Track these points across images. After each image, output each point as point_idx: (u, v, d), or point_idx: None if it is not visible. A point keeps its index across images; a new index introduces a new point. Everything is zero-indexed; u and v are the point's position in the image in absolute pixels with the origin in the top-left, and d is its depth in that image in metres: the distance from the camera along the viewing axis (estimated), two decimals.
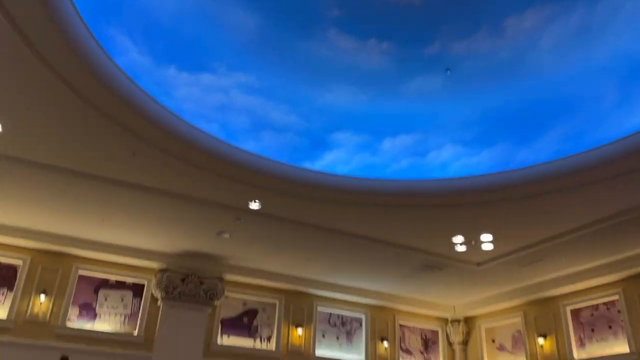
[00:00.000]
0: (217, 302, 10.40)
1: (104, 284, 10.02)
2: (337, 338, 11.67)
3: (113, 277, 10.09)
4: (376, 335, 11.92)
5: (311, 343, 11.21)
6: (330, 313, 11.77)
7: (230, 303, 10.80)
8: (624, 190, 7.10)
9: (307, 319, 11.38)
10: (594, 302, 9.98)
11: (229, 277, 10.64)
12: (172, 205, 8.12)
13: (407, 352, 12.34)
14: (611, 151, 6.53)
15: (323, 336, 11.51)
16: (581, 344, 10.05)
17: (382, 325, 12.08)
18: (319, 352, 11.23)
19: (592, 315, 10.03)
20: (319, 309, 11.63)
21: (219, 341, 10.42)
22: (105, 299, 9.92)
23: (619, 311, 9.51)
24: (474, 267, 10.10)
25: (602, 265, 9.44)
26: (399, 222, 8.50)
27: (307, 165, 7.65)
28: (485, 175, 7.45)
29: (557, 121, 7.02)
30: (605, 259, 9.30)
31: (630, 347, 9.09)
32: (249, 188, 7.63)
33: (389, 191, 7.63)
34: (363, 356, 11.63)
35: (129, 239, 9.50)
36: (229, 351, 10.38)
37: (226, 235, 9.10)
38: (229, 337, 10.60)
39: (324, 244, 9.38)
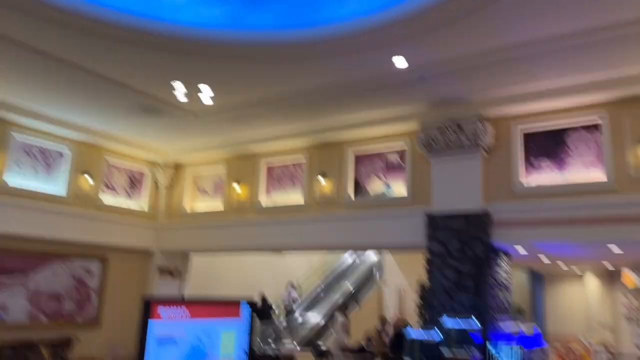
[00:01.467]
0: None
1: None
2: (35, 170, 11.02)
3: None
4: (79, 169, 11.67)
5: (2, 169, 10.36)
6: (29, 143, 10.91)
7: None
8: (329, 69, 8.35)
9: (0, 145, 10.39)
10: (286, 162, 11.80)
11: None
12: None
13: (112, 189, 12.53)
14: (330, 30, 7.46)
15: (18, 166, 10.72)
16: (269, 193, 11.93)
17: (87, 161, 11.85)
18: (12, 182, 10.50)
19: (281, 170, 11.89)
20: (17, 136, 10.65)
21: None
22: None
23: (302, 170, 11.50)
24: (192, 117, 10.62)
25: (295, 132, 11.13)
26: (121, 59, 8.22)
27: None
28: (218, 30, 7.68)
29: None
30: (298, 127, 10.97)
31: (304, 198, 11.24)
32: None
33: (113, 23, 7.22)
34: (64, 190, 11.37)
35: None
36: None
37: None
38: None
39: (27, 67, 8.46)
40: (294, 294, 16.87)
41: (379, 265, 16.92)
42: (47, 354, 7.91)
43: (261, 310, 15.02)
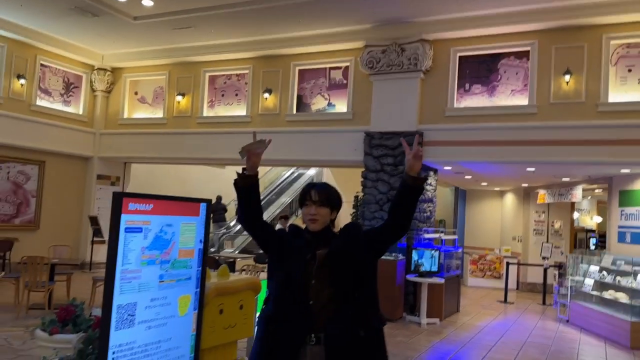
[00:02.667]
0: None
1: None
2: None
3: None
4: (12, 71, 11.16)
5: None
6: None
7: None
8: None
9: None
10: (229, 73, 11.76)
11: None
12: None
13: (46, 92, 12.11)
14: None
15: None
16: (212, 105, 11.95)
17: (20, 62, 11.31)
18: None
19: (224, 83, 11.88)
20: None
21: None
22: None
23: (246, 83, 11.55)
24: (131, 20, 10.27)
25: (240, 42, 11.05)
26: None
27: None
28: None
29: None
30: (242, 38, 10.89)
31: (247, 111, 11.38)
32: None
33: None
34: None
35: None
36: None
37: None
38: None
39: None
40: None
41: (317, 179, 17.60)
42: None
43: (215, 210, 15.75)
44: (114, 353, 2.71)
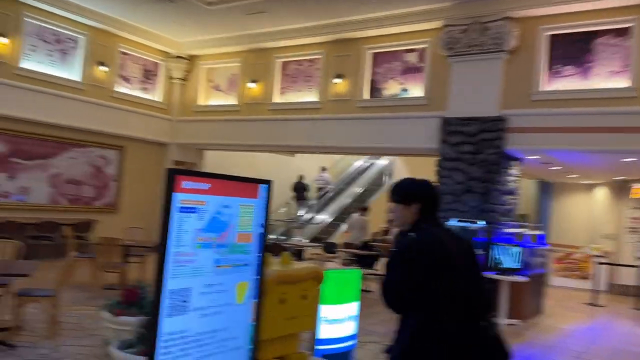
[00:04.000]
0: None
1: None
2: (50, 55, 10.94)
3: None
4: (94, 58, 11.58)
5: (18, 54, 10.32)
6: (44, 26, 10.74)
7: None
8: None
9: (14, 29, 10.24)
10: (300, 58, 11.55)
11: None
12: None
13: (126, 79, 12.49)
14: None
15: (33, 51, 10.65)
16: (283, 91, 11.82)
17: (101, 50, 11.71)
18: (26, 65, 10.49)
19: (296, 69, 11.68)
20: (27, 20, 10.46)
21: None
22: None
23: (317, 68, 11.29)
24: (205, 5, 10.28)
25: (312, 27, 10.78)
26: None
27: None
28: None
29: None
30: (315, 21, 10.60)
31: (317, 97, 11.14)
32: None
33: None
34: (79, 77, 11.35)
35: None
36: None
37: None
38: None
39: None
40: (326, 176, 17.25)
41: (389, 170, 17.12)
42: (69, 233, 8.35)
43: (296, 189, 16.00)
44: (166, 341, 2.51)
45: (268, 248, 3.01)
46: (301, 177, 16.37)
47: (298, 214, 16.25)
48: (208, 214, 2.68)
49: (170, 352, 2.49)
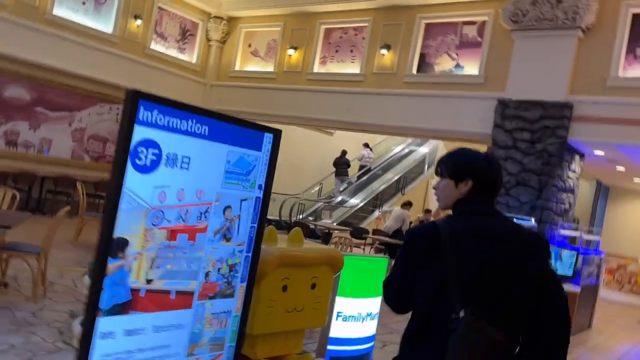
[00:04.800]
0: None
1: None
2: (84, 3, 10.41)
3: None
4: (130, 10, 10.98)
5: (50, 2, 9.83)
6: None
7: None
8: None
9: None
10: (346, 26, 10.64)
11: None
12: None
13: (162, 37, 11.88)
14: None
15: None
16: (324, 61, 10.96)
17: (138, 2, 11.10)
18: (58, 12, 9.98)
19: (340, 37, 10.79)
20: None
21: None
22: None
23: (363, 37, 10.37)
24: None
25: None
26: None
27: None
28: None
29: None
30: None
31: (360, 69, 10.24)
32: None
33: None
34: (111, 29, 10.80)
35: None
36: None
37: None
38: None
39: None
40: (369, 153, 16.54)
41: (431, 157, 16.10)
42: (82, 190, 7.83)
43: (338, 164, 15.35)
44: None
45: (280, 224, 2.23)
46: (344, 153, 15.64)
47: (337, 189, 15.54)
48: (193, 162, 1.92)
49: None
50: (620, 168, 9.75)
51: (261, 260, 2.31)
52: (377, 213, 15.26)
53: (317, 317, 2.87)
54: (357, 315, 3.51)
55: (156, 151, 1.80)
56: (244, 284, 2.26)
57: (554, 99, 7.64)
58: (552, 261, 7.07)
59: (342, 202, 15.75)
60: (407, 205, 10.78)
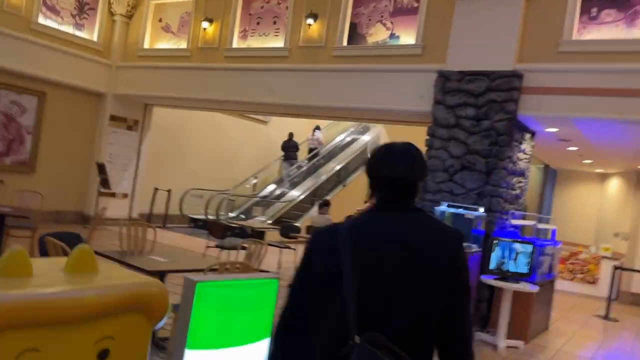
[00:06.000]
0: None
1: None
2: None
3: None
4: None
5: None
6: None
7: None
8: None
9: None
10: None
11: None
12: None
13: (53, 10, 10.10)
14: None
15: None
16: (244, 35, 9.57)
17: None
18: None
19: (261, 7, 9.42)
20: None
21: None
22: None
23: (287, 7, 9.05)
24: None
25: None
26: None
27: None
28: None
29: None
30: None
31: (285, 42, 8.93)
32: None
33: None
34: None
35: None
36: None
37: None
38: None
39: None
40: (319, 136, 15.40)
41: (373, 146, 15.03)
42: None
43: (286, 147, 14.64)
44: None
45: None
46: (291, 135, 14.80)
47: (286, 173, 14.60)
48: None
49: None
50: (572, 148, 8.89)
51: None
52: (315, 208, 14.05)
53: None
54: None
55: None
56: None
57: (501, 68, 6.59)
58: (504, 257, 6.01)
59: (279, 197, 14.44)
60: (325, 206, 9.43)
